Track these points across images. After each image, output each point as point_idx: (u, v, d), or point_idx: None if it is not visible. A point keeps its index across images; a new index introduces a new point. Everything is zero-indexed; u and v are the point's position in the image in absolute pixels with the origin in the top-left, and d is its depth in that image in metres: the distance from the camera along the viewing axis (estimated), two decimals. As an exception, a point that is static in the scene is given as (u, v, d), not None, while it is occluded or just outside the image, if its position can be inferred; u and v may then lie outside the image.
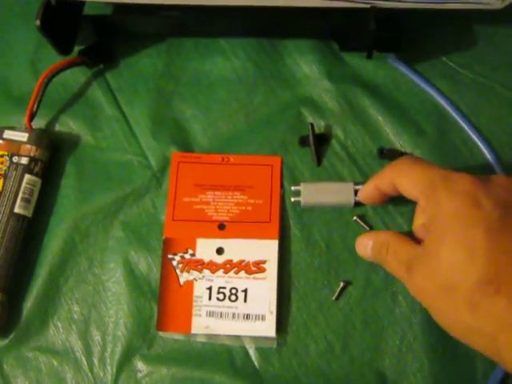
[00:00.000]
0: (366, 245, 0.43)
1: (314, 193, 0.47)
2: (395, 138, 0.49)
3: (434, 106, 0.50)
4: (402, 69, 0.51)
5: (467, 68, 0.51)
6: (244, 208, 0.48)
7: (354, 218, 0.48)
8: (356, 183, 0.46)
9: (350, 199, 0.47)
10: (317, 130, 0.50)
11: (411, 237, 0.41)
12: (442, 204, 0.36)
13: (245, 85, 0.52)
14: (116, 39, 0.54)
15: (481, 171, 0.48)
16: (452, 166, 0.48)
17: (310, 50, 0.52)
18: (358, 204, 0.47)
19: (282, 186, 0.49)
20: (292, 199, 0.47)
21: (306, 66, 0.52)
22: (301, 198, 0.47)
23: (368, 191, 0.44)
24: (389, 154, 0.48)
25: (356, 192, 0.46)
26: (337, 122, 0.50)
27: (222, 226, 0.48)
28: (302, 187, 0.47)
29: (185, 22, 0.53)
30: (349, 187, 0.46)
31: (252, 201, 0.49)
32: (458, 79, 0.51)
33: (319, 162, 0.49)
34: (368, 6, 0.46)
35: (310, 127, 0.49)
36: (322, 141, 0.50)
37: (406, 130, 0.49)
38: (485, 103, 0.50)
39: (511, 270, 0.33)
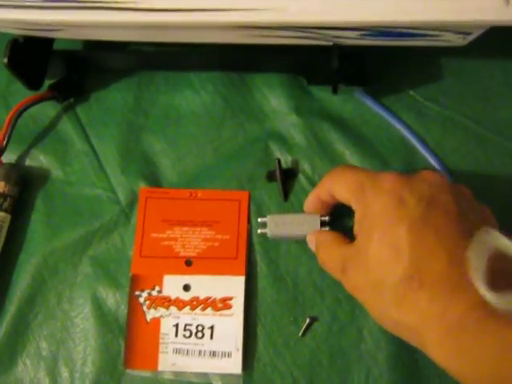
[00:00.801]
0: (311, 242, 0.45)
1: (280, 224, 0.46)
2: None
3: (400, 139, 0.50)
4: (369, 102, 0.50)
5: (433, 101, 0.51)
6: (211, 244, 0.48)
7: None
8: (322, 215, 0.45)
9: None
10: (284, 165, 0.50)
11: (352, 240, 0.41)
12: (369, 203, 0.38)
13: (213, 119, 0.52)
14: (86, 73, 0.54)
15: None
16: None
17: (278, 83, 0.52)
18: None
19: (249, 221, 0.49)
20: (259, 231, 0.47)
21: (274, 99, 0.52)
22: (267, 230, 0.47)
23: (311, 202, 0.45)
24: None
25: (322, 223, 0.45)
26: (304, 156, 0.50)
27: (189, 263, 0.48)
28: (268, 219, 0.47)
29: (154, 57, 0.53)
30: (315, 219, 0.45)
31: (219, 236, 0.48)
32: (425, 112, 0.51)
33: (286, 197, 0.49)
34: (331, 43, 0.46)
35: (276, 163, 0.49)
36: (289, 176, 0.49)
37: (373, 165, 0.49)
38: (451, 137, 0.50)
39: (433, 265, 0.34)
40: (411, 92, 0.51)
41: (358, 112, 0.51)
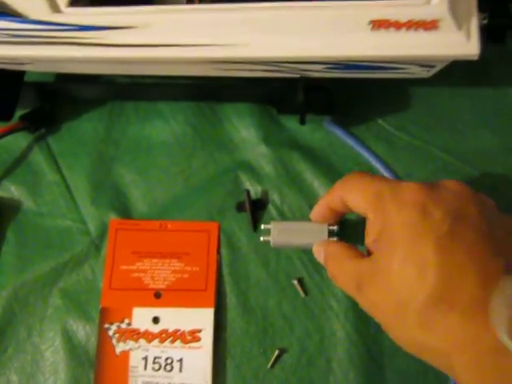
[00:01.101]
0: (319, 253, 0.41)
1: (284, 232, 0.44)
2: None
3: (369, 169, 0.50)
4: (338, 132, 0.51)
5: (402, 130, 0.51)
6: (180, 276, 0.48)
7: (294, 281, 0.47)
8: (330, 224, 0.43)
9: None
10: (254, 196, 0.50)
11: (364, 253, 0.39)
12: (390, 216, 0.35)
13: (184, 149, 0.52)
14: (58, 103, 0.54)
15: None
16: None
17: (248, 113, 0.52)
18: None
19: (218, 252, 0.49)
20: (261, 238, 0.45)
21: (244, 129, 0.52)
22: (270, 238, 0.44)
23: (319, 211, 0.42)
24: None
25: (330, 232, 0.42)
26: (273, 186, 0.50)
27: (158, 295, 0.48)
28: (271, 226, 0.44)
29: (125, 87, 0.53)
30: (322, 228, 0.42)
31: (189, 268, 0.48)
32: (394, 142, 0.51)
33: (255, 227, 0.49)
34: (298, 75, 0.46)
35: (245, 194, 0.49)
36: (258, 206, 0.49)
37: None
38: (420, 166, 0.50)
39: (464, 286, 0.32)
40: (380, 121, 0.51)
41: (327, 141, 0.51)
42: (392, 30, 0.41)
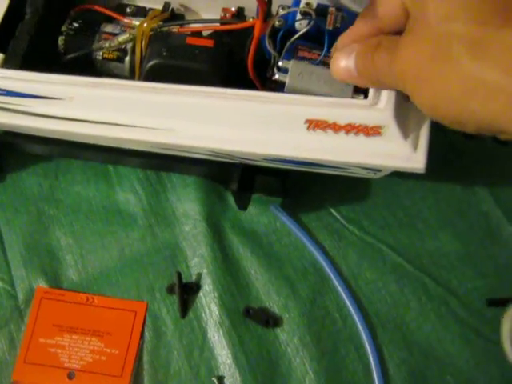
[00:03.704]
0: (346, 61, 0.32)
1: (306, 74, 0.36)
2: (265, 296, 0.44)
3: (313, 264, 0.44)
4: (284, 219, 0.45)
5: (355, 224, 0.45)
6: (98, 357, 0.44)
7: (214, 378, 0.42)
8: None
9: (348, 91, 0.36)
10: (187, 278, 0.45)
11: None
12: None
13: (124, 218, 0.48)
14: (7, 154, 0.50)
15: (354, 350, 0.42)
16: (322, 337, 0.42)
17: (194, 187, 0.47)
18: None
19: (142, 335, 0.44)
20: (276, 76, 0.37)
21: (188, 203, 0.47)
22: (287, 78, 0.36)
23: (349, 35, 0.33)
24: (254, 315, 0.43)
25: (356, 91, 0.35)
26: (209, 271, 0.45)
27: (71, 375, 0.43)
28: (291, 65, 0.36)
29: (72, 148, 0.48)
30: (347, 85, 0.35)
31: (108, 350, 0.44)
32: (344, 235, 0.45)
33: (184, 313, 0.44)
34: (238, 161, 0.41)
35: (177, 276, 0.44)
36: (189, 291, 0.44)
37: (278, 290, 0.44)
38: (368, 266, 0.44)
39: None
40: (333, 211, 0.46)
41: (273, 227, 0.46)
42: (330, 132, 0.35)
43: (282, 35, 0.38)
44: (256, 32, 0.36)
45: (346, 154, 0.35)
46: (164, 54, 0.39)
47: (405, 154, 0.35)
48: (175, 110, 0.37)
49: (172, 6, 0.44)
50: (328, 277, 0.44)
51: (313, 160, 0.36)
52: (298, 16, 0.39)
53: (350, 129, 0.35)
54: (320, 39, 0.39)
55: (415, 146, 0.35)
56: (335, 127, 0.35)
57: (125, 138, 0.38)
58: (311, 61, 0.39)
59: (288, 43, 0.39)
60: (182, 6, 0.45)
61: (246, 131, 0.36)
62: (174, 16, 0.44)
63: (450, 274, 0.43)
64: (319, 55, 0.39)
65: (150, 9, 0.45)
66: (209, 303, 0.44)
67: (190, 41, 0.39)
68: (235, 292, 0.44)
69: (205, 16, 0.45)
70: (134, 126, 0.38)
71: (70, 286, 0.46)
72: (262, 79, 0.39)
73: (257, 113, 0.36)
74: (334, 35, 0.36)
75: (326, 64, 0.38)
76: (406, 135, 0.35)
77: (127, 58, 0.42)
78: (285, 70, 0.37)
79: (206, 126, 0.37)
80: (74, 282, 0.46)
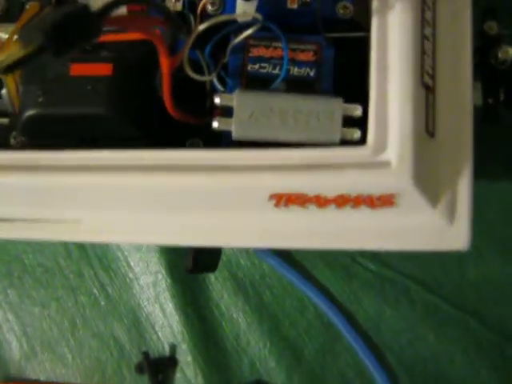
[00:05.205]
0: None
1: (259, 115, 0.21)
2: (261, 366, 0.34)
3: (319, 316, 0.33)
4: (271, 260, 0.33)
5: (368, 255, 0.32)
6: None
7: None
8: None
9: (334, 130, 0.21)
10: (159, 351, 0.34)
11: None
12: None
13: (67, 278, 0.36)
14: None
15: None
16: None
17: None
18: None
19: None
20: (215, 125, 0.21)
21: (143, 252, 0.35)
22: (231, 125, 0.21)
23: None
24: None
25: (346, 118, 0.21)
26: (184, 339, 0.34)
27: None
28: (235, 98, 0.22)
29: None
30: (334, 104, 0.21)
31: None
32: (355, 272, 0.33)
33: (163, 397, 0.34)
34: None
35: (143, 358, 0.33)
36: (164, 368, 0.34)
37: (277, 357, 0.33)
38: (392, 310, 0.33)
39: None
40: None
41: (259, 272, 0.34)
42: (312, 207, 0.21)
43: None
44: (164, 69, 0.21)
45: (339, 239, 0.22)
46: (40, 99, 0.24)
47: (435, 229, 0.21)
48: (71, 194, 0.23)
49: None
50: (340, 332, 0.32)
51: (290, 248, 0.23)
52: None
53: (343, 202, 0.21)
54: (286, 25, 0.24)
55: (451, 215, 0.21)
56: (319, 201, 0.21)
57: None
58: (272, 61, 0.24)
59: (230, 45, 0.24)
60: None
61: (174, 219, 0.23)
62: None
63: (504, 310, 0.31)
64: (283, 49, 0.24)
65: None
66: (190, 380, 0.33)
67: (76, 71, 0.24)
68: (222, 363, 0.33)
69: None
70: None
71: (20, 373, 0.36)
72: (201, 112, 0.25)
73: (192, 189, 0.22)
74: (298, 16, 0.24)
75: (294, 63, 0.24)
76: (435, 200, 0.21)
77: (3, 91, 0.28)
78: (227, 111, 0.22)
79: (115, 212, 0.23)
80: (23, 367, 0.36)
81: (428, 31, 0.22)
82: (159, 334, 0.35)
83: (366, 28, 0.24)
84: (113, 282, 0.35)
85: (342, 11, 0.24)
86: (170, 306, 0.34)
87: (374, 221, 0.21)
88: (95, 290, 0.36)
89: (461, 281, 0.32)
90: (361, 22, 0.25)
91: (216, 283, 0.34)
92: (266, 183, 0.21)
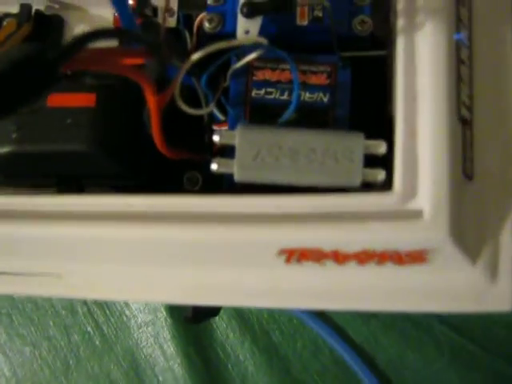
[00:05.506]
0: None
1: (267, 155, 0.18)
2: None
3: (334, 360, 0.30)
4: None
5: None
6: None
7: None
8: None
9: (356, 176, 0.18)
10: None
11: None
12: None
13: (58, 314, 0.33)
14: None
15: None
16: None
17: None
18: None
19: None
20: (214, 167, 0.18)
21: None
22: (233, 169, 0.18)
23: None
24: None
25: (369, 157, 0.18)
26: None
27: None
28: (237, 138, 0.18)
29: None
30: (354, 141, 0.18)
31: None
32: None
33: None
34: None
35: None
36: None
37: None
38: (415, 354, 0.29)
39: None
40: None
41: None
42: (329, 263, 0.18)
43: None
44: (151, 108, 0.17)
45: (360, 300, 0.19)
46: (14, 135, 0.21)
47: (474, 289, 0.18)
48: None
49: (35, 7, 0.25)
50: (357, 377, 0.29)
51: (305, 309, 0.19)
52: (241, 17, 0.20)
53: (366, 258, 0.18)
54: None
55: (493, 272, 0.18)
56: (337, 258, 0.18)
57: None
58: (280, 85, 0.21)
59: (231, 69, 0.20)
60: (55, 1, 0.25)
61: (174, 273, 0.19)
62: (42, 25, 0.25)
63: None
64: (290, 72, 0.21)
65: None
66: None
67: (54, 102, 0.21)
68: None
69: (95, 12, 0.25)
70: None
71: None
72: (199, 146, 0.21)
73: (183, 242, 0.19)
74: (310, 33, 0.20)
75: (305, 87, 0.20)
76: (474, 255, 0.18)
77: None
78: (228, 150, 0.19)
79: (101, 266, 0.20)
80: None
81: (464, 53, 0.18)
82: (160, 378, 0.31)
83: (386, 44, 0.21)
84: (108, 320, 0.32)
85: (359, 27, 0.21)
86: (170, 347, 0.31)
87: (401, 280, 0.18)
88: (89, 329, 0.33)
89: (489, 320, 0.28)
90: (381, 37, 0.21)
91: (220, 322, 0.31)
92: (273, 237, 0.18)
